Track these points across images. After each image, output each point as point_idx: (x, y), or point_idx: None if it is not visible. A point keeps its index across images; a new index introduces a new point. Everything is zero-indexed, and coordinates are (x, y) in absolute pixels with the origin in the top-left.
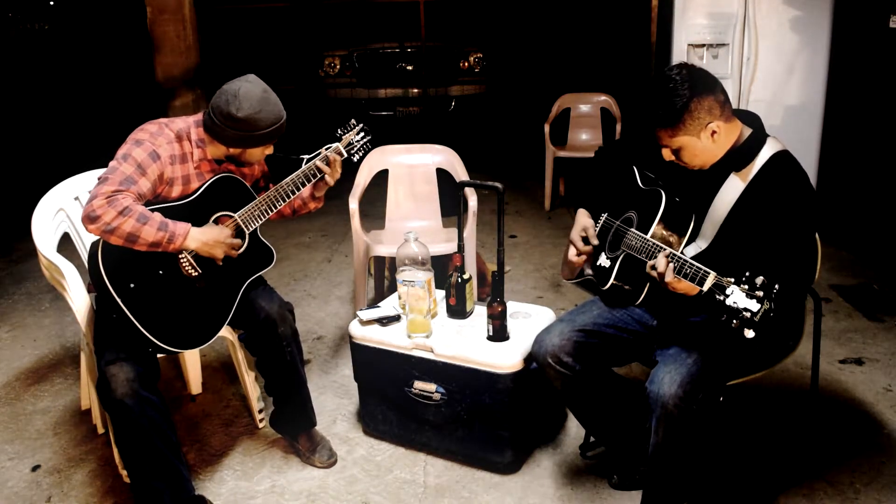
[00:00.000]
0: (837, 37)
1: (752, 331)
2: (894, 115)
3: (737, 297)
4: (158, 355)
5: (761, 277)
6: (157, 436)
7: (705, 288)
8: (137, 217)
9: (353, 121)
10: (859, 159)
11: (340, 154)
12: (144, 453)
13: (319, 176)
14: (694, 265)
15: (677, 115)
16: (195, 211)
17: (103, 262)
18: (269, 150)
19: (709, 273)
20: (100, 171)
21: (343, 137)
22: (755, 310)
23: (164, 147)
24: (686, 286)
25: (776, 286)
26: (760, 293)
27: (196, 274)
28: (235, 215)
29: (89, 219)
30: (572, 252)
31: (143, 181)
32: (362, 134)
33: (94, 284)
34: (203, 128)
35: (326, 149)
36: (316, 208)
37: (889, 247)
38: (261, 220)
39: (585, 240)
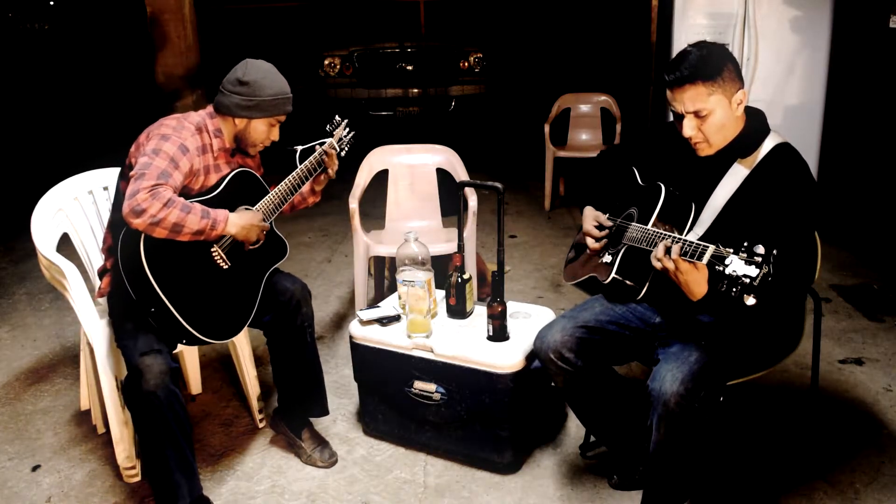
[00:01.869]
0: (837, 37)
1: (752, 297)
2: (894, 115)
3: (736, 265)
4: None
5: (760, 246)
6: (180, 430)
7: (705, 260)
8: (181, 207)
9: (337, 117)
10: (859, 159)
11: (334, 148)
12: (168, 447)
13: (321, 168)
14: (693, 242)
15: (718, 69)
16: (219, 205)
17: (146, 258)
18: (275, 135)
19: (708, 246)
20: (100, 171)
21: (334, 133)
22: (754, 275)
23: (189, 140)
24: (690, 269)
25: (774, 251)
26: (759, 259)
27: (226, 266)
28: (254, 209)
29: (135, 213)
30: (590, 241)
31: (176, 174)
32: (348, 129)
33: (129, 280)
34: (214, 108)
35: (321, 143)
36: (314, 202)
37: (889, 247)
38: (275, 212)
39: (600, 227)
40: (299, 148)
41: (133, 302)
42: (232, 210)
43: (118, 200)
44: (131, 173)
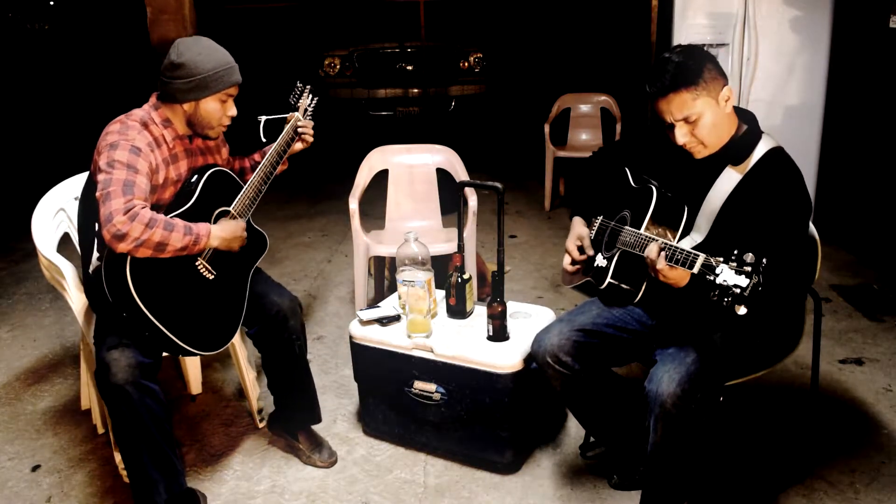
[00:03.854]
0: (837, 37)
1: (743, 307)
2: (894, 115)
3: (726, 275)
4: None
5: (750, 255)
6: (155, 426)
7: (695, 270)
8: (164, 226)
9: (298, 83)
10: (859, 159)
11: (300, 121)
12: (142, 442)
13: (289, 147)
14: (684, 250)
15: (698, 72)
16: (197, 214)
17: (135, 286)
18: (231, 110)
19: (698, 255)
20: None
21: (299, 105)
22: (744, 285)
23: (138, 138)
24: (678, 274)
25: (764, 260)
26: (749, 269)
27: (212, 277)
28: (231, 209)
29: (117, 238)
30: (567, 260)
31: (139, 179)
32: (311, 97)
33: (121, 307)
34: (158, 97)
35: (286, 118)
36: (283, 170)
37: (889, 247)
38: (252, 207)
39: (581, 249)
40: (263, 118)
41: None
42: (209, 217)
43: (86, 206)
44: (97, 194)
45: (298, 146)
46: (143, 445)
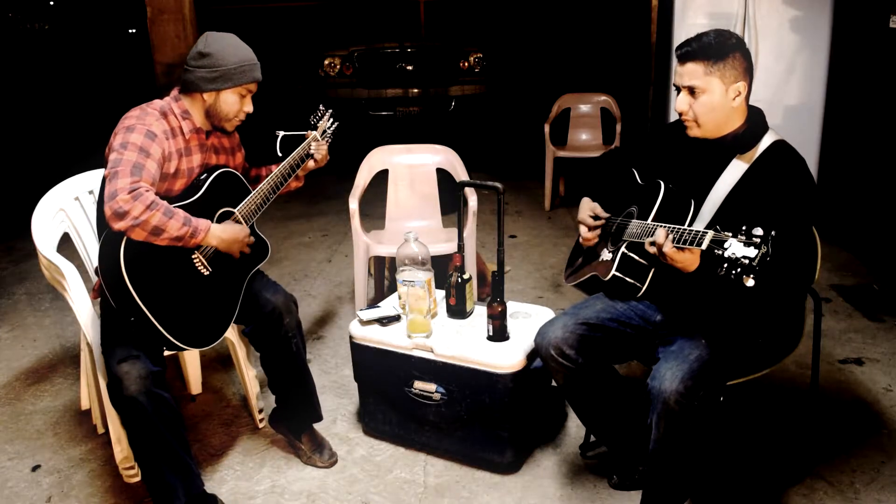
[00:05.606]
0: (837, 37)
1: (751, 278)
2: (894, 115)
3: (735, 248)
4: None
5: (759, 228)
6: (170, 432)
7: (704, 245)
8: (164, 211)
9: (321, 107)
10: (859, 159)
11: (317, 140)
12: (158, 450)
13: (304, 162)
14: (692, 230)
15: (724, 52)
16: (201, 209)
17: (125, 266)
18: (248, 106)
19: (707, 232)
20: (100, 170)
21: (318, 125)
22: (752, 255)
23: (155, 125)
24: (686, 257)
25: (773, 232)
26: (757, 240)
27: (207, 273)
28: (236, 211)
29: (117, 215)
30: (583, 230)
31: (149, 163)
32: (332, 121)
33: (109, 287)
34: (180, 89)
35: (304, 135)
36: (297, 187)
37: (889, 247)
38: (258, 213)
39: (595, 217)
40: (281, 133)
41: (114, 308)
42: (212, 215)
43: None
44: (105, 172)
45: (311, 164)
46: (159, 453)
